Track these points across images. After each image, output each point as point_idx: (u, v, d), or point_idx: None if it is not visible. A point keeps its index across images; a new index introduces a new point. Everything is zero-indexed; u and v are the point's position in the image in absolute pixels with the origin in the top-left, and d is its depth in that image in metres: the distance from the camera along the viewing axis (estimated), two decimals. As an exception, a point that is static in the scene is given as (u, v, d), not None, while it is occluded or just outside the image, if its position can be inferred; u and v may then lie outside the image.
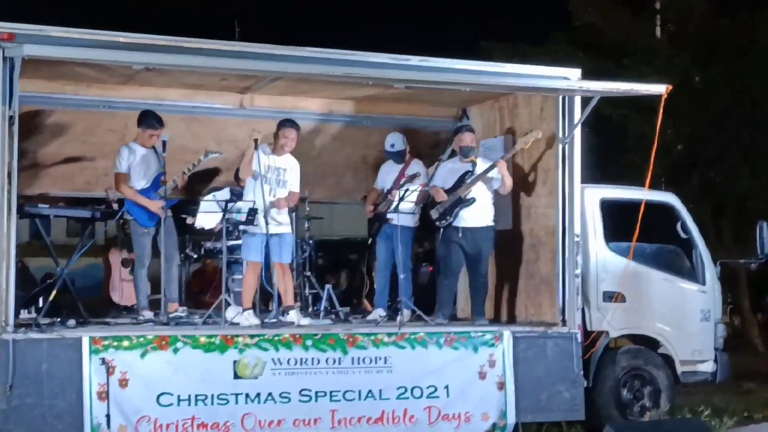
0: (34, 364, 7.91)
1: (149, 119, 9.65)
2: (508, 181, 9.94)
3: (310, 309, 10.35)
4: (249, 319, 9.14)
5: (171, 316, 9.35)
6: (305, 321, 9.41)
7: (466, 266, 10.00)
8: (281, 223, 9.45)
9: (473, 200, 9.85)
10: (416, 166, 10.41)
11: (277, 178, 9.43)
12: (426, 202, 10.06)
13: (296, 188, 9.64)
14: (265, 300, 10.02)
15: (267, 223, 9.19)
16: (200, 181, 10.60)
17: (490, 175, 9.90)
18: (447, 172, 10.10)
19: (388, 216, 10.10)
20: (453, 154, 10.46)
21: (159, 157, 9.56)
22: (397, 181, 10.34)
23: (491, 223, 10.00)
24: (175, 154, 9.85)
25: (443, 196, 9.89)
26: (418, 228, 10.40)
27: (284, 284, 9.45)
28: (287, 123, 9.54)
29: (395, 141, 10.46)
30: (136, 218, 9.59)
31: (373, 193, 10.71)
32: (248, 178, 9.42)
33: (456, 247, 9.85)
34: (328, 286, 10.49)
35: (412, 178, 10.13)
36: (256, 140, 9.30)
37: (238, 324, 9.04)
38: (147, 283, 9.76)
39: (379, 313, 10.13)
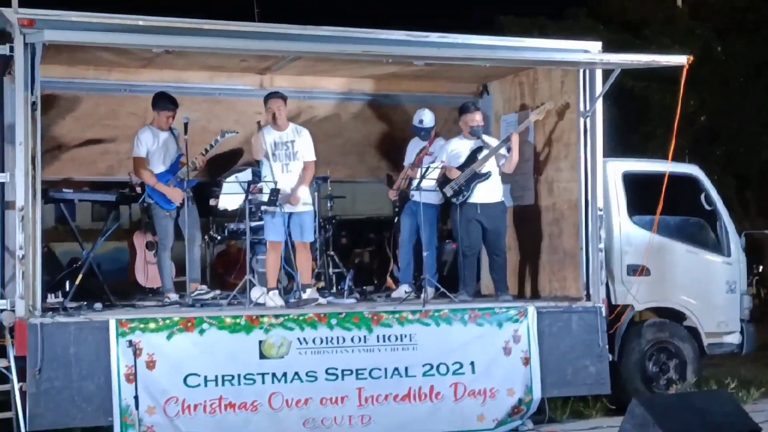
0: (62, 348, 7.98)
1: (163, 101, 9.65)
2: (515, 158, 9.90)
3: (334, 288, 10.38)
4: (274, 299, 9.17)
5: (193, 296, 9.40)
6: (323, 300, 9.43)
7: (486, 243, 9.97)
8: (304, 203, 9.44)
9: (489, 174, 9.83)
10: (438, 144, 10.37)
11: (286, 152, 9.36)
12: (438, 181, 9.99)
13: (310, 157, 9.50)
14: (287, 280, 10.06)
15: (280, 204, 9.15)
16: (222, 163, 10.62)
17: (502, 151, 9.88)
18: (453, 149, 10.04)
19: (411, 193, 10.09)
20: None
21: (177, 139, 9.59)
22: (420, 158, 10.32)
23: (502, 199, 10.00)
24: (197, 136, 9.88)
25: (456, 173, 9.86)
26: (442, 205, 10.38)
27: (302, 263, 9.47)
28: (271, 95, 9.48)
29: (424, 117, 10.42)
30: (157, 201, 9.62)
31: (403, 170, 10.67)
32: (263, 160, 9.42)
33: (475, 224, 9.83)
34: (351, 271, 10.49)
35: (421, 151, 10.10)
36: (258, 122, 9.30)
37: (263, 304, 9.07)
38: (171, 265, 9.82)
39: (404, 289, 10.13)
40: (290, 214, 9.28)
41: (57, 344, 7.97)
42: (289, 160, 9.37)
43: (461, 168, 9.88)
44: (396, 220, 10.75)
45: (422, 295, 9.38)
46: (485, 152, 9.85)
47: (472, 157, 9.90)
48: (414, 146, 10.56)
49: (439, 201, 10.16)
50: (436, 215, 10.30)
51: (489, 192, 9.88)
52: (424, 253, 9.75)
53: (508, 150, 9.89)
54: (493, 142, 10.02)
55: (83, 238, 9.97)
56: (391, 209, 11.00)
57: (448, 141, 10.23)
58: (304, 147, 9.46)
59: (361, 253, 12.46)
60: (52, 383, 7.93)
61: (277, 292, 9.30)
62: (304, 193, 9.46)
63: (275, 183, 9.20)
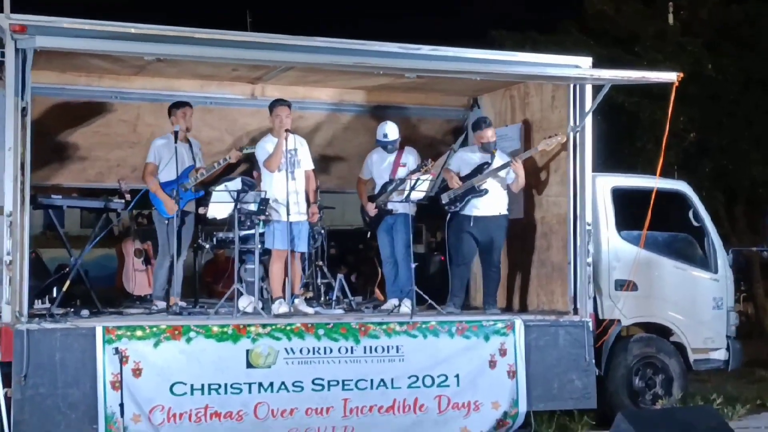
0: (48, 354, 7.96)
1: (176, 104, 9.66)
2: (522, 181, 9.96)
3: (323, 298, 10.37)
4: (280, 307, 9.15)
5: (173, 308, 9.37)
6: (309, 310, 9.43)
7: (479, 255, 10.02)
8: (301, 212, 9.49)
9: (486, 191, 9.87)
10: (410, 153, 10.29)
11: (291, 160, 9.41)
12: (441, 186, 9.97)
13: (311, 165, 9.67)
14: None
15: (289, 213, 9.18)
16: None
17: (503, 173, 9.92)
18: (464, 159, 10.08)
19: (395, 206, 10.05)
20: (465, 142, 10.43)
21: (193, 152, 9.53)
22: (394, 171, 10.25)
23: (504, 212, 10.00)
24: (199, 145, 9.90)
25: (458, 182, 9.88)
26: (431, 217, 10.37)
27: (293, 273, 9.46)
28: (277, 102, 9.50)
29: (389, 131, 10.22)
30: (156, 207, 9.62)
31: (362, 185, 10.57)
32: (266, 170, 9.43)
33: (468, 236, 9.86)
34: (340, 276, 10.48)
35: (421, 167, 10.02)
36: (288, 130, 9.30)
37: (250, 313, 9.06)
38: (166, 273, 9.73)
39: (393, 303, 10.10)
40: (291, 223, 9.29)
41: (43, 351, 7.95)
42: (294, 167, 9.43)
43: (463, 179, 9.90)
44: (369, 235, 10.72)
45: (410, 307, 9.38)
46: (490, 169, 9.88)
47: (478, 170, 9.93)
48: (378, 159, 10.35)
49: (412, 211, 9.97)
50: (413, 226, 10.16)
51: (486, 205, 9.91)
52: (411, 265, 9.70)
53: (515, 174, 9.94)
54: (502, 158, 10.01)
55: (71, 245, 9.93)
56: (363, 221, 10.89)
57: (461, 150, 10.29)
58: (306, 156, 9.61)
59: (349, 264, 12.45)
60: (37, 390, 7.91)
61: (283, 299, 9.26)
62: (305, 204, 9.53)
63: (264, 192, 9.24)
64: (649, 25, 17.93)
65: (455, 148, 10.55)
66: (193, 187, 9.54)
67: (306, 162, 9.60)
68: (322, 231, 10.69)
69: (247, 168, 10.57)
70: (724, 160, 16.96)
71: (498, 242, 10.04)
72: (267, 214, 9.26)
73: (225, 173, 10.13)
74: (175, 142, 9.42)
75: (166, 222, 9.59)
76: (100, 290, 9.99)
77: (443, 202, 9.92)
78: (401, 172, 10.12)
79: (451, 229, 9.95)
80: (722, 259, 10.69)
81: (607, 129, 13.33)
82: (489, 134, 10.02)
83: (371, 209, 10.36)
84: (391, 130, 10.26)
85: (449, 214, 9.99)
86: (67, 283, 9.00)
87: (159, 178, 9.58)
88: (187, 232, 9.62)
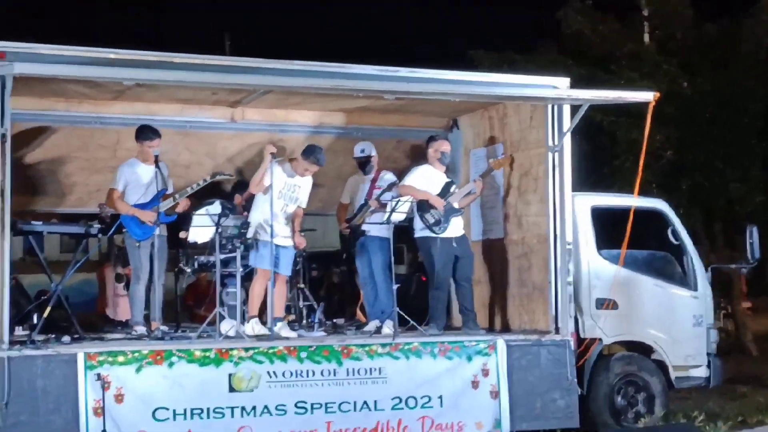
0: (30, 381, 7.91)
1: (145, 132, 9.59)
2: (475, 198, 10.21)
3: (304, 321, 10.37)
4: (255, 327, 9.14)
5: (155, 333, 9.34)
6: (292, 334, 9.42)
7: (456, 274, 10.00)
8: (287, 236, 9.54)
9: (462, 211, 10.02)
10: (386, 177, 10.41)
11: (291, 195, 9.53)
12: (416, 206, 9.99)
13: (304, 203, 9.73)
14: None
15: (275, 235, 9.24)
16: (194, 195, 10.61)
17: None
18: (428, 179, 10.05)
19: (368, 227, 10.09)
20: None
21: (164, 175, 9.49)
22: (370, 193, 10.31)
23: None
24: (168, 169, 9.86)
25: (441, 202, 9.89)
26: (409, 238, 10.39)
27: (277, 296, 9.47)
28: (311, 158, 9.51)
29: (365, 147, 10.46)
30: (129, 231, 9.57)
31: (342, 209, 10.71)
32: (258, 193, 9.46)
33: (451, 258, 9.88)
34: (321, 304, 10.50)
35: (392, 186, 10.11)
36: (273, 154, 9.33)
37: (232, 337, 9.04)
38: (143, 298, 9.70)
39: (374, 324, 10.12)
40: (277, 246, 9.31)
41: (24, 378, 7.90)
42: (290, 202, 9.55)
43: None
44: (345, 256, 10.73)
45: (392, 329, 9.38)
46: (457, 188, 10.00)
47: (446, 189, 9.96)
48: (357, 182, 10.55)
49: (388, 234, 9.87)
50: (389, 247, 10.16)
51: (459, 225, 10.00)
52: (393, 287, 9.69)
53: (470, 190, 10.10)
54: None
55: (52, 270, 9.89)
56: (341, 245, 10.92)
57: (417, 166, 10.23)
58: (304, 195, 9.69)
59: (331, 286, 12.44)
60: (18, 417, 7.85)
61: (257, 319, 9.26)
62: (288, 229, 9.59)
63: (246, 215, 9.26)
64: (626, 44, 18.06)
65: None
66: (164, 211, 9.49)
67: (303, 201, 9.67)
68: (303, 254, 10.69)
69: (228, 192, 10.59)
70: (700, 178, 17.08)
71: (472, 257, 10.16)
72: (255, 233, 9.27)
73: (206, 195, 10.14)
74: (156, 166, 9.38)
75: (138, 245, 9.53)
76: (81, 316, 9.94)
77: (429, 223, 9.84)
78: (375, 194, 10.18)
79: (436, 254, 9.85)
80: (702, 276, 10.75)
81: (585, 148, 13.42)
82: (446, 146, 10.11)
83: (345, 230, 10.44)
84: (366, 147, 10.46)
85: (426, 238, 9.93)
86: (48, 309, 8.95)
87: (129, 201, 9.52)
88: (161, 255, 9.57)
